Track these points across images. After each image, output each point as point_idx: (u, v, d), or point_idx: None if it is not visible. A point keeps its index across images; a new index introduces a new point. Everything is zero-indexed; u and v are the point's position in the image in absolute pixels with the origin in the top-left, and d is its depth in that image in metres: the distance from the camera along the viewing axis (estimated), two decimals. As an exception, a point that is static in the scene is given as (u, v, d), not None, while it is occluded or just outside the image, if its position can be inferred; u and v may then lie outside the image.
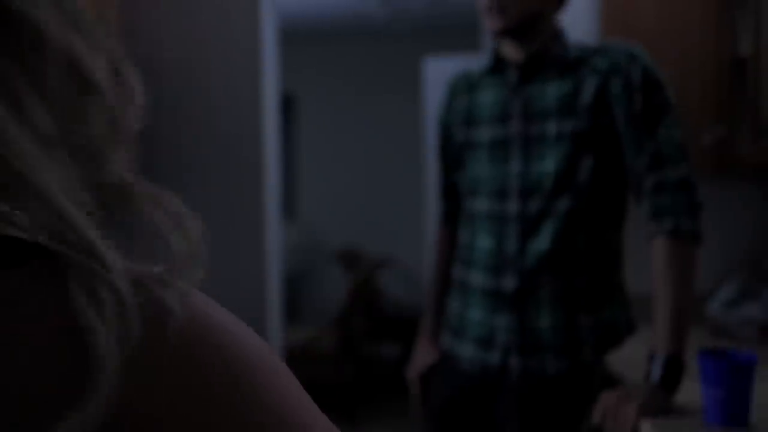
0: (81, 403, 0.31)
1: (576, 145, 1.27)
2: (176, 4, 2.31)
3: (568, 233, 1.28)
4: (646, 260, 2.11)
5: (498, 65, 1.38)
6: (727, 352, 1.14)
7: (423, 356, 1.54)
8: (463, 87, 1.46)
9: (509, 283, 1.31)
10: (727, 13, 1.86)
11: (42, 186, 0.34)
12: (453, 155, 1.50)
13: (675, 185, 1.20)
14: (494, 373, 1.33)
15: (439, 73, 3.62)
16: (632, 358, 1.53)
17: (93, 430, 0.31)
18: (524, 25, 1.29)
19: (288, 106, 5.40)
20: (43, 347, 0.32)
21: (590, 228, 1.29)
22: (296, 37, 5.25)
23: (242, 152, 2.31)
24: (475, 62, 3.09)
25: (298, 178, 5.40)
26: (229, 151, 2.31)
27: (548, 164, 1.29)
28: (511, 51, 1.35)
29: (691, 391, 1.25)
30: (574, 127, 1.27)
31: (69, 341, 0.32)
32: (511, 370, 1.31)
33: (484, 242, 1.35)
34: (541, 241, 1.28)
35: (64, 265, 0.34)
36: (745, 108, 1.83)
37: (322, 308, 5.42)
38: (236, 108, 2.31)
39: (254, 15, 2.31)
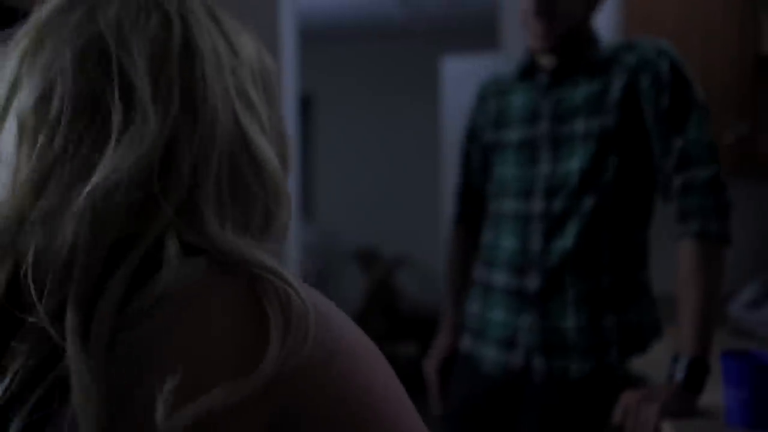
0: (247, 378, 0.40)
1: (603, 143, 1.26)
2: (196, 5, 2.33)
3: (592, 232, 1.27)
4: (673, 260, 2.09)
5: (529, 70, 1.38)
6: (749, 352, 1.13)
7: (440, 347, 1.54)
8: (493, 91, 1.45)
9: (533, 282, 1.30)
10: (750, 10, 1.84)
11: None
12: (478, 159, 1.49)
13: (703, 186, 1.18)
14: (516, 374, 1.32)
15: (457, 72, 3.61)
16: (656, 359, 1.52)
17: (245, 398, 0.40)
18: (566, 39, 1.29)
19: (306, 106, 5.42)
20: (231, 329, 0.42)
21: (615, 227, 1.28)
22: (314, 37, 5.27)
23: (261, 152, 2.32)
24: (493, 61, 3.08)
25: (316, 179, 5.41)
26: (249, 151, 2.33)
27: (574, 163, 1.28)
28: (545, 58, 1.34)
29: (713, 393, 1.24)
30: (601, 125, 1.26)
31: (252, 332, 0.43)
32: (534, 371, 1.30)
33: (508, 242, 1.34)
34: (565, 240, 1.27)
35: (253, 276, 0.45)
36: (768, 106, 1.81)
37: (340, 308, 5.43)
38: (255, 108, 2.32)
39: (273, 15, 2.32)
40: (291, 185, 2.42)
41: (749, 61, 1.85)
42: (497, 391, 1.35)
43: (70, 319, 0.41)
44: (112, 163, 0.44)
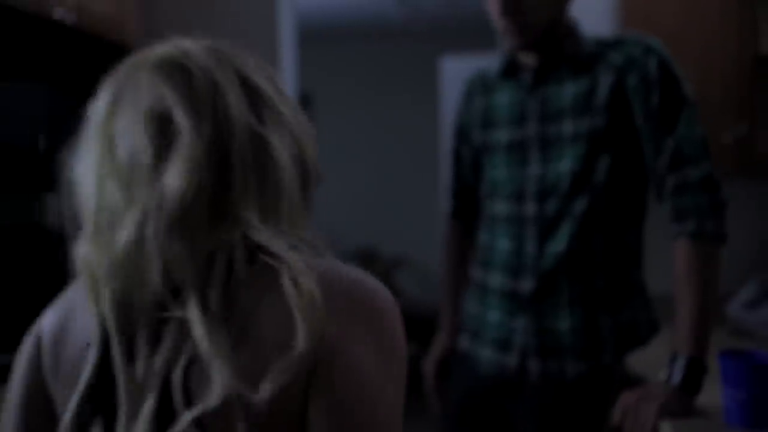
0: (294, 350, 0.57)
1: (593, 144, 1.26)
2: (194, 4, 2.33)
3: (586, 233, 1.27)
4: (669, 260, 2.09)
5: (511, 68, 1.37)
6: (747, 352, 1.13)
7: (438, 347, 1.54)
8: (479, 88, 1.44)
9: (527, 284, 1.30)
10: (748, 10, 1.84)
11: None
12: (469, 157, 1.49)
13: (696, 185, 1.17)
14: (512, 375, 1.32)
15: (456, 72, 3.61)
16: (653, 359, 1.52)
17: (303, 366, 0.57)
18: (543, 36, 1.28)
19: (304, 105, 5.42)
20: (277, 314, 0.58)
21: (607, 228, 1.28)
22: (313, 36, 5.26)
23: (260, 152, 2.32)
24: (492, 61, 3.07)
25: (315, 178, 5.41)
26: (247, 150, 2.32)
27: (565, 165, 1.27)
28: (526, 56, 1.33)
29: (711, 392, 1.24)
30: (590, 126, 1.26)
31: (286, 316, 0.58)
32: (529, 373, 1.30)
33: (503, 244, 1.34)
34: (558, 243, 1.27)
35: (278, 267, 0.61)
36: (766, 106, 1.81)
37: (338, 308, 5.42)
38: (254, 108, 2.32)
39: (272, 15, 2.32)
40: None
41: (748, 61, 1.85)
42: (494, 391, 1.35)
43: (192, 297, 0.58)
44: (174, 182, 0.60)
